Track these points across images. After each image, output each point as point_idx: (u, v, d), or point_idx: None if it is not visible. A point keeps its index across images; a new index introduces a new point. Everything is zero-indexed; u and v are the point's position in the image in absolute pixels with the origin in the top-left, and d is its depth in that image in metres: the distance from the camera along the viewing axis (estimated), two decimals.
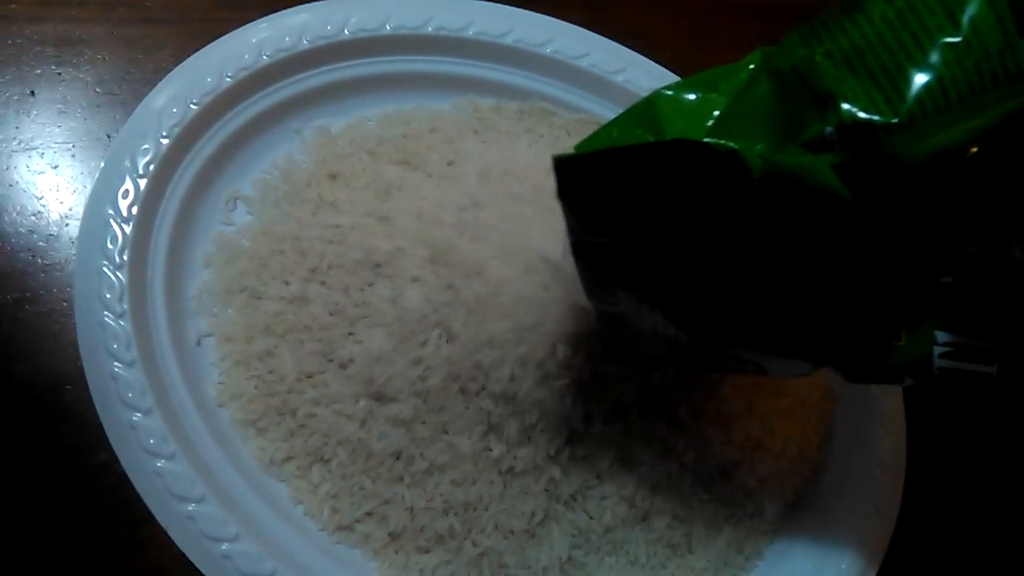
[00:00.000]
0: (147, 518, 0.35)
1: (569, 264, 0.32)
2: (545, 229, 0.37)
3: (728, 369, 0.35)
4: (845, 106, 0.26)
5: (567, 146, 0.30)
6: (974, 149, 0.26)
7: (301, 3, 0.46)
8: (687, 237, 0.29)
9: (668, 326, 0.32)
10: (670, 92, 0.29)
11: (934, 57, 0.25)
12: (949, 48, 0.25)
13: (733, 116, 0.28)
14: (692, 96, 0.28)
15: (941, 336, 0.31)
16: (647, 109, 0.29)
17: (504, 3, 0.49)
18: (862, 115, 0.25)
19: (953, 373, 0.31)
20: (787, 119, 0.27)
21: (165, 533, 0.34)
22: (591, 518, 0.39)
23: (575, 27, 0.50)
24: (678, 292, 0.31)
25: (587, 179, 0.28)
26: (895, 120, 0.25)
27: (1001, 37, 0.25)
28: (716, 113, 0.28)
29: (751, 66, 0.29)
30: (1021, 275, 0.29)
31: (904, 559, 0.44)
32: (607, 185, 0.28)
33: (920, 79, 0.25)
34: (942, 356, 0.31)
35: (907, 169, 0.26)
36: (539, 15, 0.50)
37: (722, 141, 0.26)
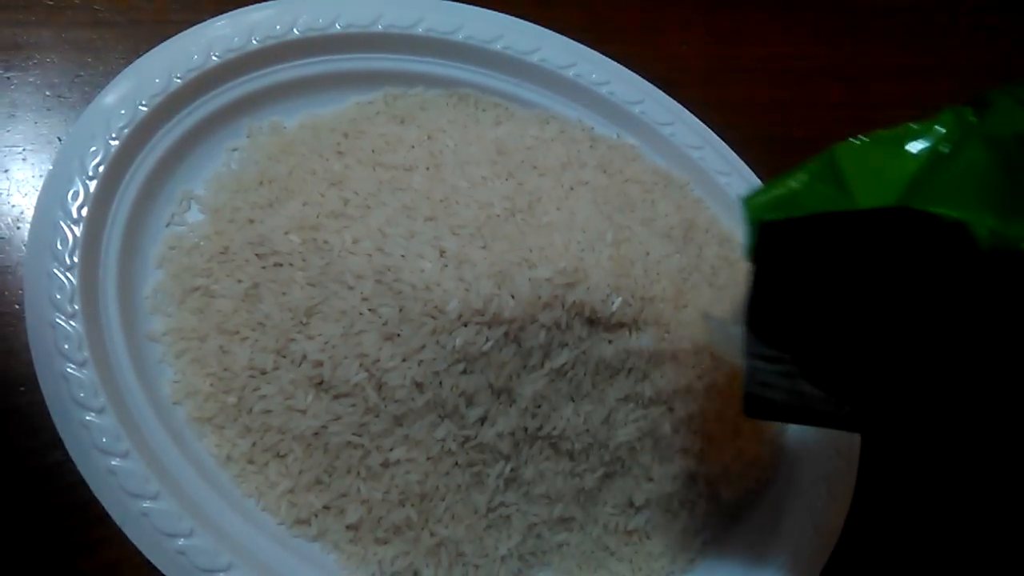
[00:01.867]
0: (103, 517, 0.35)
1: (735, 328, 0.32)
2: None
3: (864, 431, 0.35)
4: None
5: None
6: None
7: (251, 4, 0.46)
8: (890, 304, 0.27)
9: (826, 391, 0.31)
10: (853, 144, 0.28)
11: None
12: None
13: (941, 183, 0.26)
14: (876, 153, 0.28)
15: None
16: (828, 163, 0.28)
17: (455, 0, 0.50)
18: None
19: None
20: (1012, 192, 0.25)
21: (120, 531, 0.34)
22: (548, 506, 0.39)
23: (525, 22, 0.51)
24: (856, 358, 0.30)
25: (788, 242, 0.27)
26: None
27: None
28: (908, 175, 0.27)
29: (941, 128, 0.27)
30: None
31: (858, 540, 0.45)
32: (807, 249, 0.27)
33: None
34: None
35: None
36: (489, 11, 0.50)
37: (950, 212, 0.25)
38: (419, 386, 0.37)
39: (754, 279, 0.29)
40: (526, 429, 0.38)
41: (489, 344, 0.37)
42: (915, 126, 0.28)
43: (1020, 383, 0.28)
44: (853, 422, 0.33)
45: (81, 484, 0.35)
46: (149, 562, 0.35)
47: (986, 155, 0.26)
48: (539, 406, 0.38)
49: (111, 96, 0.41)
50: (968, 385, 0.29)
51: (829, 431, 0.45)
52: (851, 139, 0.28)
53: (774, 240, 0.28)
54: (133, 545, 0.35)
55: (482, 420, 0.38)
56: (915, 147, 0.28)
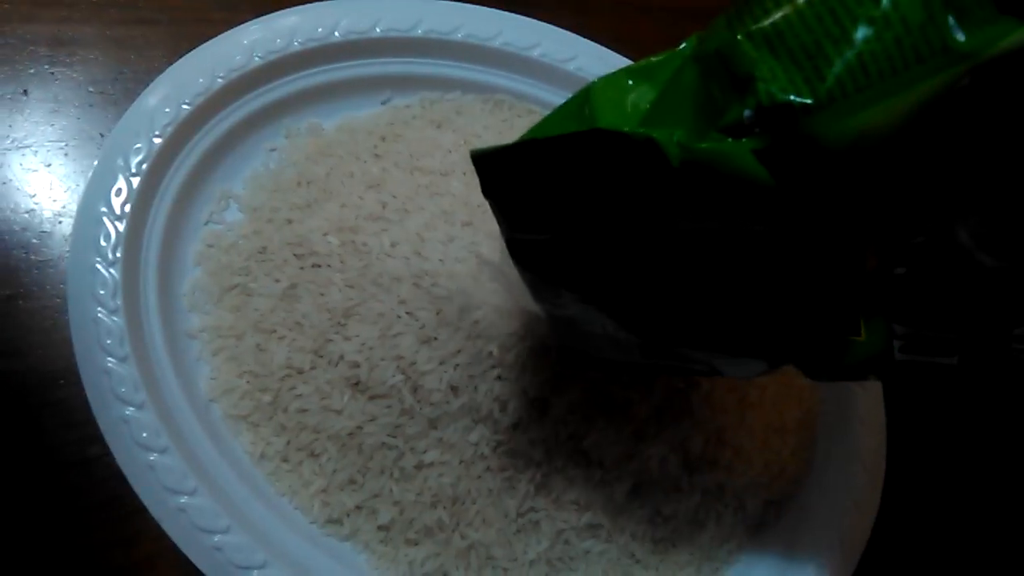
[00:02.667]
0: (139, 511, 0.35)
1: (510, 266, 0.31)
2: None
3: (683, 372, 0.34)
4: (763, 87, 0.24)
5: None
6: (902, 129, 0.24)
7: (292, 5, 0.46)
8: (616, 231, 0.28)
9: (614, 327, 0.31)
10: (607, 82, 0.28)
11: (853, 34, 0.24)
12: (868, 24, 0.24)
13: (663, 105, 0.27)
14: (627, 85, 0.27)
15: (899, 329, 0.30)
16: (584, 100, 0.28)
17: (493, 7, 0.50)
18: (780, 96, 0.24)
19: (914, 366, 0.30)
20: (710, 105, 0.26)
21: (157, 526, 0.35)
22: (577, 513, 0.40)
23: (564, 31, 0.51)
24: (616, 290, 0.30)
25: (512, 172, 0.27)
26: (813, 100, 0.24)
27: (923, 11, 0.24)
28: (648, 102, 0.27)
29: (687, 54, 0.27)
30: (969, 260, 0.28)
31: (883, 553, 0.45)
32: (530, 179, 0.27)
33: (839, 57, 0.24)
34: (902, 350, 0.30)
35: (828, 152, 0.24)
36: (528, 19, 0.51)
37: (640, 130, 0.25)
38: (454, 390, 0.38)
39: (497, 216, 0.29)
40: (558, 437, 0.39)
41: (525, 351, 0.37)
42: (662, 55, 0.28)
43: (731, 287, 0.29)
44: (656, 366, 0.33)
45: (117, 478, 0.35)
46: (183, 557, 0.35)
47: (695, 73, 0.26)
48: (572, 413, 0.38)
49: (155, 95, 0.41)
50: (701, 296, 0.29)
51: (851, 411, 0.46)
52: (610, 74, 0.28)
53: (496, 171, 0.28)
54: (168, 540, 0.35)
55: (515, 426, 0.38)
56: (661, 75, 0.27)
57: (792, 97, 0.24)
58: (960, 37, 0.23)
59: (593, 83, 0.28)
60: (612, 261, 0.29)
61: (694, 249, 0.28)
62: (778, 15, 0.25)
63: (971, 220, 0.27)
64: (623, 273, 0.29)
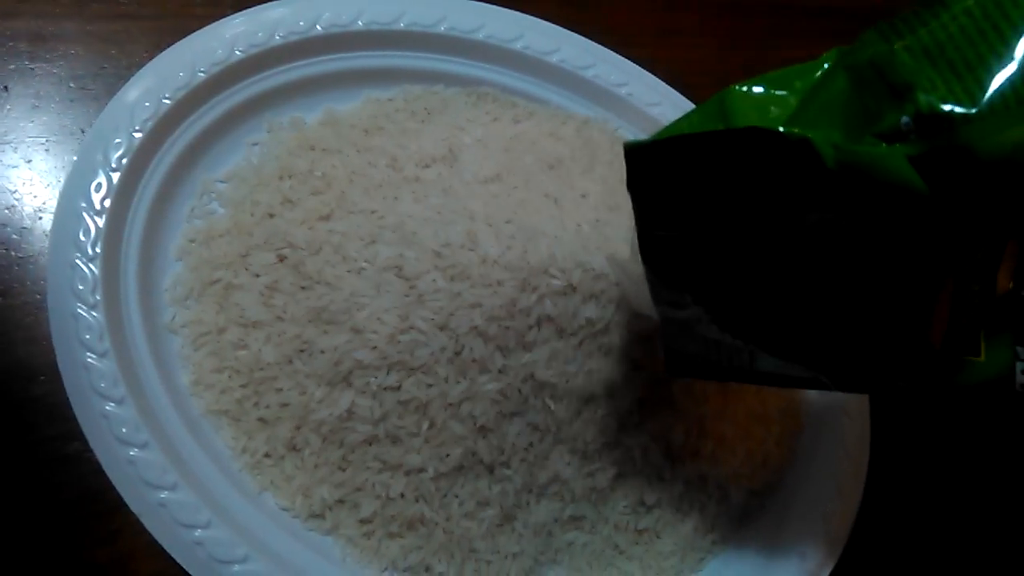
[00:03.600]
0: (120, 506, 0.35)
1: (637, 265, 0.31)
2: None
3: (791, 384, 0.34)
4: (922, 96, 0.25)
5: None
6: None
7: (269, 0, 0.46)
8: (756, 232, 0.28)
9: (732, 336, 0.31)
10: (742, 88, 0.28)
11: (1017, 48, 0.24)
12: None
13: (808, 110, 0.27)
14: (764, 92, 0.28)
15: (1023, 351, 0.30)
16: (719, 104, 0.28)
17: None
18: (939, 105, 0.25)
19: None
20: (863, 112, 0.26)
21: (137, 521, 0.35)
22: (560, 504, 0.40)
23: (547, 23, 0.51)
24: (744, 295, 0.30)
25: (656, 168, 0.27)
26: (973, 110, 0.24)
27: None
28: (791, 107, 0.27)
29: (826, 64, 0.28)
30: None
31: (867, 541, 0.45)
32: (676, 174, 0.27)
33: (1000, 69, 0.24)
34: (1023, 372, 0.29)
35: (982, 163, 0.25)
36: (511, 11, 0.50)
37: (795, 130, 0.25)
38: (438, 384, 0.38)
39: (636, 211, 0.29)
40: (540, 428, 0.39)
41: (507, 346, 0.37)
42: (800, 66, 0.28)
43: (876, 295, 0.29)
44: (767, 376, 0.33)
45: (97, 473, 0.35)
46: (165, 552, 0.35)
47: (846, 81, 0.27)
48: (555, 404, 0.38)
49: (135, 89, 0.41)
50: (838, 303, 0.29)
51: (836, 401, 0.46)
52: (742, 82, 0.29)
53: (642, 165, 0.28)
54: (149, 535, 0.35)
55: (499, 418, 0.38)
56: (799, 84, 0.28)
57: (952, 107, 0.25)
58: None
59: (728, 88, 0.29)
60: (743, 264, 0.29)
61: (828, 256, 0.28)
62: (937, 27, 0.25)
63: None
64: (752, 277, 0.29)
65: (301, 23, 0.45)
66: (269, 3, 0.46)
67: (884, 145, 0.25)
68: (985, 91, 0.24)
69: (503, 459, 0.38)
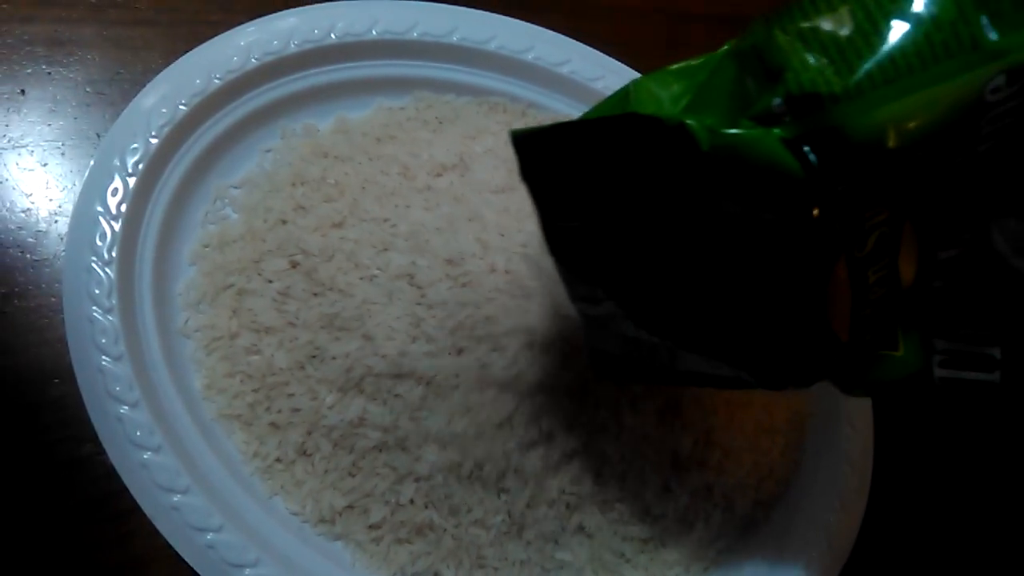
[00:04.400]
0: (132, 509, 0.35)
1: (547, 260, 0.32)
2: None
3: (714, 383, 0.34)
4: (792, 77, 0.25)
5: None
6: (931, 125, 0.25)
7: (289, 7, 0.47)
8: (643, 219, 0.28)
9: (641, 329, 0.31)
10: (647, 79, 0.28)
11: (885, 29, 0.25)
12: (900, 19, 0.25)
13: (699, 99, 0.27)
14: (666, 83, 0.28)
15: (940, 344, 0.29)
16: (624, 95, 0.29)
17: (489, 10, 0.51)
18: (808, 85, 0.25)
19: (954, 383, 0.30)
20: (743, 96, 0.26)
21: (150, 524, 0.35)
22: (567, 513, 0.40)
23: (558, 35, 0.52)
24: (640, 285, 0.30)
25: (549, 156, 0.28)
26: (841, 90, 0.25)
27: (955, 8, 0.24)
28: (685, 99, 0.27)
29: (722, 56, 0.28)
30: (1006, 267, 0.28)
31: (871, 552, 0.45)
32: (566, 162, 0.27)
33: (869, 50, 0.25)
34: (941, 365, 0.29)
35: (854, 144, 0.25)
36: (521, 22, 0.51)
37: (673, 115, 0.26)
38: (451, 392, 0.38)
39: (534, 202, 0.29)
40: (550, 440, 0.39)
41: (523, 355, 0.37)
42: (702, 57, 0.28)
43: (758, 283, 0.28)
44: (691, 375, 0.32)
45: (110, 477, 0.36)
46: (176, 556, 0.35)
47: (733, 68, 0.27)
48: (562, 415, 0.39)
49: (152, 95, 0.42)
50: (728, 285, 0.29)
51: (839, 412, 0.46)
52: (651, 73, 0.29)
53: (534, 154, 0.28)
54: (161, 538, 0.35)
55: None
56: (700, 75, 0.28)
57: (821, 86, 0.25)
58: (992, 36, 0.24)
59: (633, 81, 0.29)
60: (638, 252, 0.29)
61: (717, 244, 0.27)
62: (812, 12, 0.26)
63: (1007, 224, 0.27)
64: (648, 266, 0.29)
65: (316, 32, 0.46)
66: (283, 11, 0.46)
67: (760, 128, 0.25)
68: (855, 72, 0.25)
69: (514, 467, 0.38)
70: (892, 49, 0.25)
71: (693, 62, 0.28)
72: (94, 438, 0.36)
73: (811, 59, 0.25)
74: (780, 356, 0.31)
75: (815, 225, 0.26)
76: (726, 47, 0.28)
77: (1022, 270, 0.28)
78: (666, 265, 0.29)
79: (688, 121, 0.25)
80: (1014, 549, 0.49)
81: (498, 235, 0.39)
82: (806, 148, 0.25)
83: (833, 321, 0.29)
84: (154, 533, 0.35)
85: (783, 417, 0.45)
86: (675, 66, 0.29)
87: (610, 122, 0.27)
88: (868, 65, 0.25)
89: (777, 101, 0.25)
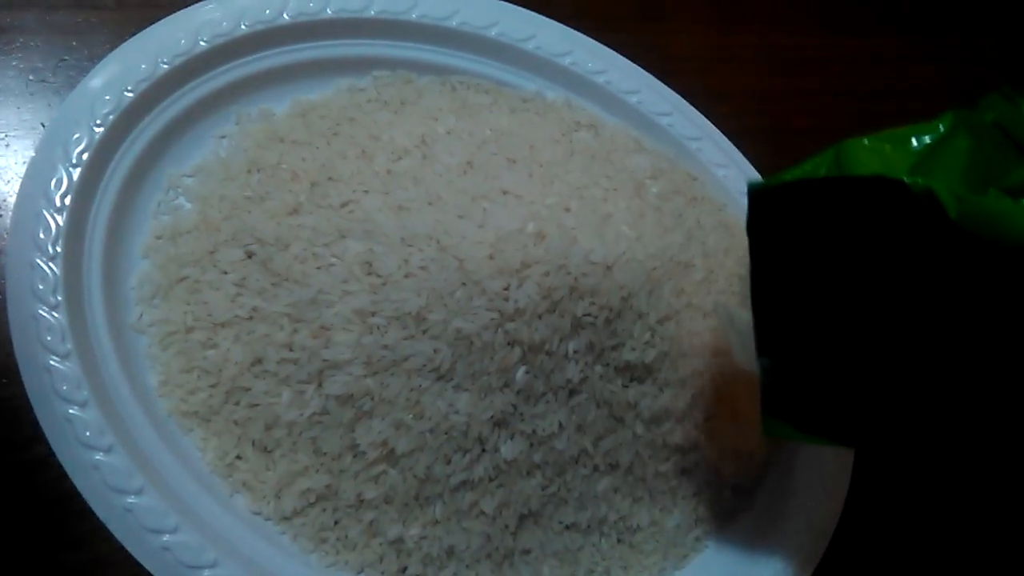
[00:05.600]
0: (86, 512, 0.34)
1: (746, 312, 0.32)
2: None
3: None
4: None
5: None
6: None
7: None
8: (876, 287, 0.28)
9: (839, 395, 0.31)
10: (861, 141, 0.28)
11: None
12: None
13: (929, 165, 0.27)
14: (883, 148, 0.28)
15: None
16: (835, 156, 0.29)
17: None
18: None
19: None
20: (987, 169, 0.26)
21: (103, 527, 0.34)
22: (542, 495, 0.39)
23: (523, 10, 0.50)
24: (855, 353, 0.30)
25: (778, 211, 0.28)
26: None
27: None
28: (908, 164, 0.27)
29: (941, 126, 0.28)
30: None
31: (852, 536, 0.44)
32: (797, 220, 0.27)
33: None
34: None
35: None
36: None
37: (919, 180, 0.25)
38: (414, 387, 0.37)
39: (752, 253, 0.29)
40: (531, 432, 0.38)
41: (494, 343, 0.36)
42: (916, 126, 0.29)
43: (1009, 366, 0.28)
44: (870, 437, 0.33)
45: (63, 478, 0.34)
46: (133, 558, 0.34)
47: (968, 140, 0.27)
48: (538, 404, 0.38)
49: (95, 81, 0.40)
50: (958, 373, 0.29)
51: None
52: (860, 137, 0.29)
53: (765, 207, 0.28)
54: (117, 541, 0.34)
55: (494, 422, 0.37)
56: (916, 142, 0.28)
57: None
58: None
59: (844, 142, 0.29)
60: (863, 322, 0.29)
61: (947, 315, 0.27)
62: None
63: None
64: (870, 335, 0.29)
65: (268, 11, 0.44)
66: None
67: (1009, 200, 0.25)
68: None
69: (480, 460, 0.37)
70: None
71: (904, 130, 0.29)
72: (44, 440, 0.35)
73: None
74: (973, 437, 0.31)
75: None
76: (946, 117, 0.28)
77: None
78: (894, 334, 0.28)
79: (934, 186, 0.25)
80: (997, 534, 0.49)
81: (456, 217, 0.37)
82: None
83: None
84: (109, 535, 0.34)
85: None
86: (885, 132, 0.29)
87: (853, 182, 0.27)
88: None
89: None
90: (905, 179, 0.25)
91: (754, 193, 0.28)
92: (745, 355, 0.35)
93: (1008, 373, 0.28)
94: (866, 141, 0.28)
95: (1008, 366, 0.28)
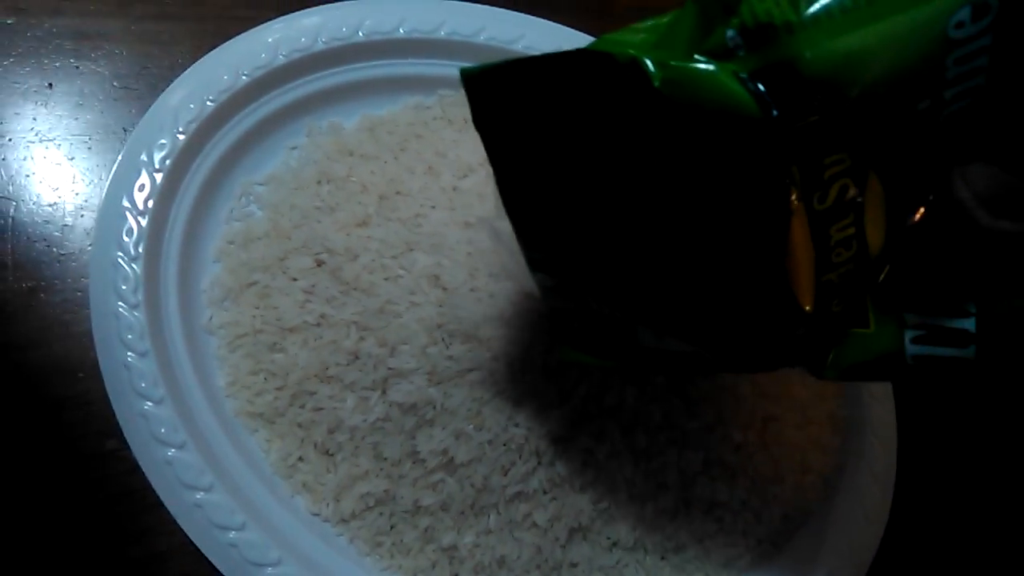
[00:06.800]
0: (155, 505, 0.35)
1: (506, 224, 0.30)
2: None
3: (680, 367, 0.31)
4: (747, 8, 0.24)
5: None
6: (892, 59, 0.23)
7: (318, 4, 0.46)
8: (595, 164, 0.26)
9: (605, 302, 0.29)
10: (614, 34, 0.27)
11: None
12: None
13: (660, 43, 0.26)
14: (635, 32, 0.27)
15: (912, 319, 0.27)
16: (592, 46, 0.27)
17: (516, 10, 0.50)
18: (762, 16, 0.23)
19: (928, 362, 0.27)
20: (699, 35, 0.25)
21: (171, 521, 0.35)
22: (593, 510, 0.39)
23: (583, 35, 0.51)
24: (594, 245, 0.28)
25: (498, 98, 0.26)
26: (795, 19, 0.23)
27: None
28: (648, 43, 0.26)
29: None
30: (971, 223, 0.26)
31: (893, 563, 0.45)
32: (517, 104, 0.26)
33: None
34: (914, 340, 0.27)
35: (809, 80, 0.23)
36: (549, 22, 0.51)
37: (627, 51, 0.24)
38: (480, 399, 0.38)
39: (487, 150, 0.28)
40: (583, 452, 0.39)
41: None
42: (672, 12, 0.27)
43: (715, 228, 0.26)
44: (650, 353, 0.30)
45: (133, 472, 0.36)
46: (197, 552, 0.35)
47: (693, 11, 0.26)
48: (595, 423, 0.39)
49: (179, 90, 0.42)
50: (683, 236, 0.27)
51: (863, 421, 0.45)
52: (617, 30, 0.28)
53: (485, 96, 0.27)
54: (183, 535, 0.35)
55: (538, 438, 0.38)
56: (664, 26, 0.27)
57: (775, 16, 0.23)
58: None
59: (602, 36, 0.28)
60: (589, 204, 0.27)
61: (667, 187, 0.25)
62: None
63: (972, 171, 0.25)
64: (598, 220, 0.27)
65: (343, 29, 0.46)
66: (311, 8, 0.46)
67: (711, 62, 0.24)
68: (810, 1, 0.23)
69: (538, 475, 0.38)
70: None
71: (663, 18, 0.27)
72: (118, 434, 0.36)
73: None
74: (738, 325, 0.28)
75: (770, 165, 0.24)
76: None
77: (983, 223, 0.26)
78: (616, 217, 0.27)
79: (639, 55, 0.24)
80: None
81: None
82: (759, 83, 0.24)
83: (796, 287, 0.26)
84: (175, 529, 0.35)
85: (825, 431, 0.45)
86: (643, 21, 0.27)
87: (562, 58, 0.25)
88: None
89: (731, 33, 0.24)
90: (613, 52, 0.24)
91: (468, 78, 0.26)
92: (523, 273, 0.32)
93: (732, 244, 0.26)
94: (623, 30, 0.27)
95: (731, 235, 0.26)
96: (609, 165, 0.26)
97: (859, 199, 0.25)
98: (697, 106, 0.24)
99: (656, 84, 0.23)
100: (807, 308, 0.26)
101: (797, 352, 0.29)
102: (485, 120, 0.27)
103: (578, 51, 0.25)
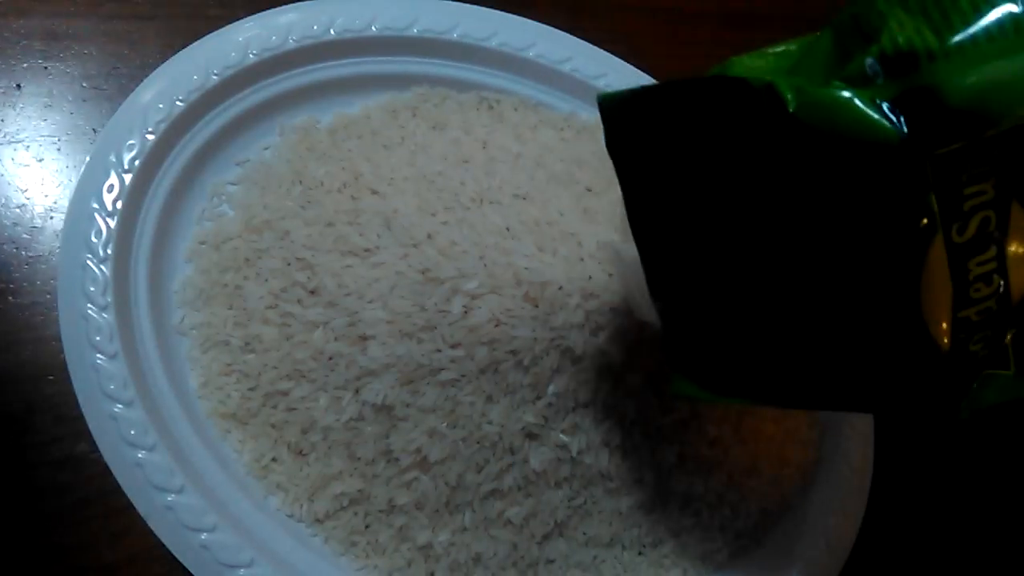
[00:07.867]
0: (126, 508, 0.35)
1: (631, 248, 0.30)
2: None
3: (800, 404, 0.30)
4: (887, 36, 0.23)
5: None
6: None
7: (288, 2, 0.46)
8: (729, 191, 0.26)
9: (735, 337, 0.29)
10: (743, 58, 0.27)
11: None
12: None
13: (797, 67, 0.26)
14: (766, 59, 0.27)
15: None
16: (720, 71, 0.27)
17: (489, 7, 0.50)
18: (904, 44, 0.23)
19: None
20: (836, 60, 0.25)
21: (143, 523, 0.35)
22: (568, 507, 0.39)
23: (559, 32, 0.51)
24: (724, 272, 0.27)
25: (634, 124, 0.26)
26: (938, 47, 0.23)
27: None
28: (782, 69, 0.27)
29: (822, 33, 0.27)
30: None
31: (869, 556, 0.45)
32: (650, 130, 0.26)
33: (972, 7, 0.23)
34: None
35: (951, 108, 0.23)
36: (523, 19, 0.51)
37: (764, 77, 0.24)
38: (451, 398, 0.38)
39: (619, 174, 0.28)
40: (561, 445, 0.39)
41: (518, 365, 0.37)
42: (804, 37, 0.27)
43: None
44: (771, 390, 0.29)
45: (104, 475, 0.35)
46: (170, 555, 0.35)
47: (831, 37, 0.26)
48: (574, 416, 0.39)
49: (149, 90, 0.41)
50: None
51: (841, 448, 0.46)
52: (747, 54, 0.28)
53: (620, 121, 0.27)
54: (154, 537, 0.35)
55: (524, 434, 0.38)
56: (796, 51, 0.27)
57: (917, 44, 0.23)
58: None
59: (732, 58, 0.28)
60: (723, 233, 0.27)
61: (801, 216, 0.25)
62: None
63: None
64: (731, 251, 0.27)
65: (315, 27, 0.45)
66: (283, 7, 0.46)
67: (844, 88, 0.24)
68: (955, 29, 0.23)
69: (511, 471, 0.38)
70: (995, 6, 0.23)
71: (792, 44, 0.27)
72: (88, 436, 0.35)
73: (909, 18, 0.23)
74: (868, 362, 0.27)
75: (906, 193, 0.24)
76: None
77: None
78: (746, 241, 0.27)
79: (775, 81, 0.24)
80: (1013, 552, 0.49)
81: (496, 232, 0.38)
82: (898, 111, 0.23)
83: (930, 323, 0.25)
84: (147, 532, 0.35)
85: (797, 424, 0.45)
86: (774, 45, 0.28)
87: (696, 84, 0.25)
88: (969, 22, 0.23)
89: (870, 61, 0.24)
90: (748, 77, 0.24)
91: (605, 105, 0.26)
92: (643, 300, 0.31)
93: (864, 276, 0.26)
94: (752, 54, 0.27)
95: (862, 266, 0.26)
96: (742, 191, 0.26)
97: (1002, 234, 0.25)
98: (833, 132, 0.24)
99: (791, 109, 0.23)
100: (943, 344, 0.26)
101: (930, 391, 0.28)
102: (618, 145, 0.27)
103: (713, 77, 0.25)
